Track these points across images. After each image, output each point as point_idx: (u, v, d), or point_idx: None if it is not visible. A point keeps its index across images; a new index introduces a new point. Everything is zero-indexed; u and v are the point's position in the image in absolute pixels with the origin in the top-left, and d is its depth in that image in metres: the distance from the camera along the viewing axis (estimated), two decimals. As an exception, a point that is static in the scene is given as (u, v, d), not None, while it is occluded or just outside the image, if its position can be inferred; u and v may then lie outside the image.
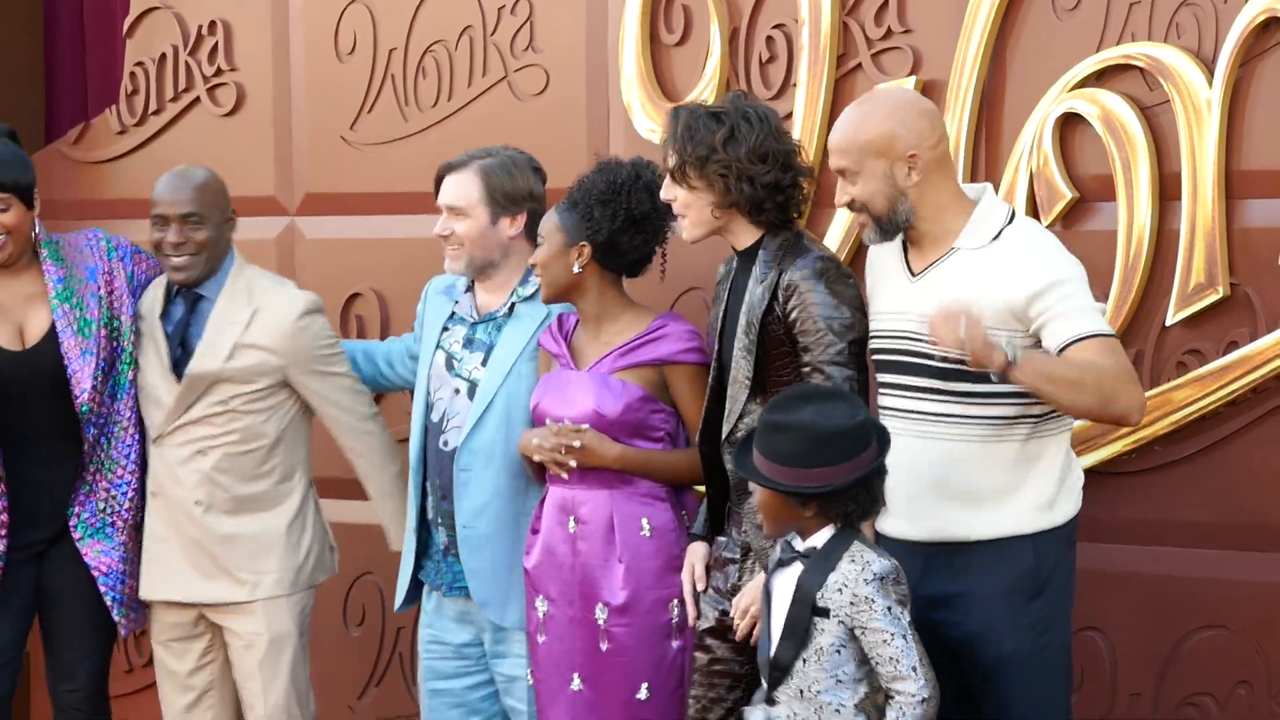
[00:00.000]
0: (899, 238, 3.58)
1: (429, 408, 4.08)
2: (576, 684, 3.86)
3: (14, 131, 4.18)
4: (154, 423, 4.19)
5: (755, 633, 3.58)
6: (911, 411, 3.53)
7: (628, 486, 3.82)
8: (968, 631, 3.46)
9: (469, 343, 4.07)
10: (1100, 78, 4.02)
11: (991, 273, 3.46)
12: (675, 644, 3.83)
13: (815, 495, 3.39)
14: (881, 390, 3.59)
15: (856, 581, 3.34)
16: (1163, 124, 3.97)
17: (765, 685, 3.47)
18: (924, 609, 3.45)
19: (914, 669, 3.34)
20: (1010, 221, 3.54)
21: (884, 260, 3.67)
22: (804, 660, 3.40)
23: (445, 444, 4.02)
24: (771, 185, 3.63)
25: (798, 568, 3.45)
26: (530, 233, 4.00)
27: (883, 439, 3.44)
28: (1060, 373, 3.37)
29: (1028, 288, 3.43)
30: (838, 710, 3.40)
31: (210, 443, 4.17)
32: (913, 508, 3.50)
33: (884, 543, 3.52)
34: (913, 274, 3.57)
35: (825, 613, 3.40)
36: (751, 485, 3.46)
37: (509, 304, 4.01)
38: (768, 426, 3.41)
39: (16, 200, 4.05)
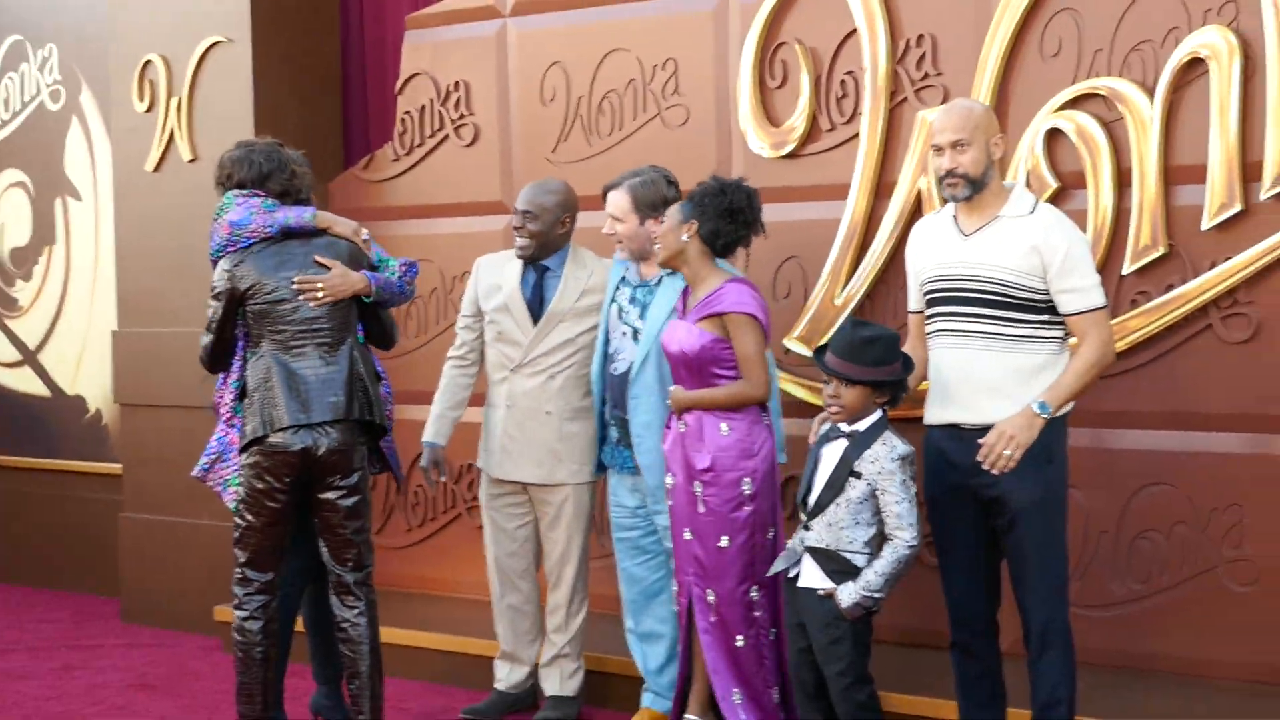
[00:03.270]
0: (950, 209, 3.81)
1: (607, 341, 4.55)
2: (687, 534, 4.20)
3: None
4: (512, 358, 4.71)
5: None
6: (966, 332, 3.75)
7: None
8: (1000, 490, 3.74)
9: (632, 299, 4.51)
10: (1074, 103, 4.46)
11: (1031, 236, 3.70)
12: (747, 509, 4.09)
13: (894, 383, 3.70)
14: (937, 317, 3.79)
15: (885, 458, 3.73)
16: (1119, 134, 4.39)
17: (805, 518, 3.79)
18: (970, 474, 3.73)
19: (911, 525, 3.67)
20: (1037, 202, 3.79)
21: (931, 229, 3.89)
22: (837, 505, 3.73)
23: (615, 370, 4.52)
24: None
25: (842, 443, 3.77)
26: None
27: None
28: (1076, 385, 3.64)
29: (1058, 252, 3.66)
30: (851, 541, 3.73)
31: (558, 369, 4.67)
32: (966, 403, 3.75)
33: (944, 430, 3.77)
34: (964, 234, 3.77)
35: (859, 475, 3.71)
36: (834, 389, 3.71)
37: (659, 276, 4.46)
38: (864, 342, 3.66)
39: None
